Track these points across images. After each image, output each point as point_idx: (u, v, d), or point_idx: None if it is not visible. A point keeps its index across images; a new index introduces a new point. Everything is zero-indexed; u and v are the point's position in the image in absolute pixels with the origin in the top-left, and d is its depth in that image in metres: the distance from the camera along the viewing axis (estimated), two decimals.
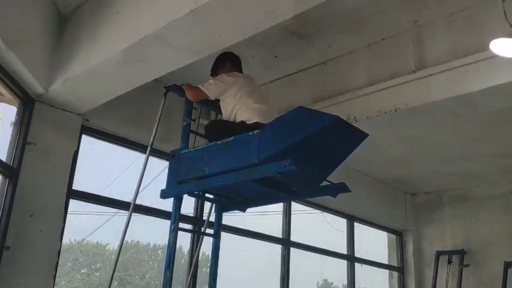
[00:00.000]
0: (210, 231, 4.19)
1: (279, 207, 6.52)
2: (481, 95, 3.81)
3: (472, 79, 3.76)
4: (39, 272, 3.89)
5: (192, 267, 4.87)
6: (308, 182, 3.61)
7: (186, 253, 6.17)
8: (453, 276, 7.15)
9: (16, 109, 3.99)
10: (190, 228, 5.22)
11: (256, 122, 3.52)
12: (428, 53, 4.07)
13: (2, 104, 4.01)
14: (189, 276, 4.83)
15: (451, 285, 7.12)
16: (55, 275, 3.97)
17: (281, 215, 6.43)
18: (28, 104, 4.02)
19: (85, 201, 4.49)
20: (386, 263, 8.05)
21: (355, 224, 7.42)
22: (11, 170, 3.81)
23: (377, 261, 7.83)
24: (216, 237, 4.15)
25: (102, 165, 5.36)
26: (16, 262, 3.73)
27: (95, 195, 4.56)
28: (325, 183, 3.62)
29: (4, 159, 3.78)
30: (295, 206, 6.54)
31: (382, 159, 6.60)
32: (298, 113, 3.15)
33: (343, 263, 7.24)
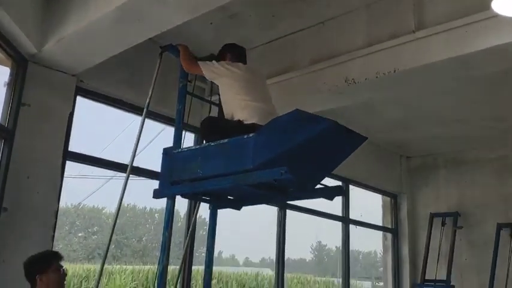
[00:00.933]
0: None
1: None
2: (481, 55, 3.76)
3: (472, 40, 3.70)
4: (37, 234, 3.90)
5: (190, 230, 4.93)
6: (303, 184, 3.49)
7: (182, 216, 6.22)
8: (446, 238, 7.26)
9: (9, 70, 3.93)
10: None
11: (253, 123, 3.39)
12: (429, 13, 3.99)
13: None
14: (187, 238, 4.88)
15: (444, 246, 7.24)
16: (53, 236, 3.98)
17: None
18: (21, 65, 3.95)
19: (81, 162, 4.47)
20: (381, 225, 8.16)
21: (351, 187, 7.48)
22: (6, 131, 3.78)
23: (371, 223, 7.95)
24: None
25: (98, 128, 5.33)
26: (14, 224, 3.75)
27: (92, 157, 4.55)
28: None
29: None
30: None
31: (378, 122, 6.59)
32: (295, 116, 3.01)
33: (338, 226, 7.33)
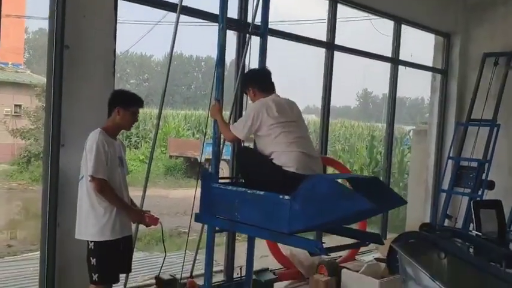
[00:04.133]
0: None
1: (324, 14, 6.39)
2: None
3: None
4: (99, 71, 4.15)
5: (240, 70, 5.05)
6: None
7: (228, 65, 6.30)
8: (497, 79, 7.15)
9: None
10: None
11: (294, 172, 3.31)
12: None
13: None
14: (237, 80, 5.02)
15: (494, 87, 7.16)
16: (114, 72, 4.24)
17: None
18: None
19: (133, 1, 4.49)
20: (431, 66, 8.06)
21: (403, 28, 7.25)
22: None
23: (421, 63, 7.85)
24: (263, 37, 4.23)
25: None
26: (76, 62, 3.97)
27: None
28: None
29: None
30: (340, 11, 6.36)
31: None
32: (331, 190, 3.00)
33: (385, 73, 7.29)
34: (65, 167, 3.91)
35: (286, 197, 3.05)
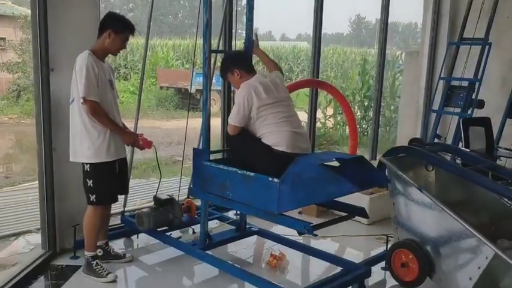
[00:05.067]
0: None
1: None
2: None
3: None
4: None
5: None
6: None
7: None
8: None
9: None
10: None
11: (284, 152, 3.44)
12: None
13: None
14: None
15: (487, 3, 7.02)
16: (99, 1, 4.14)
17: None
18: None
19: None
20: None
21: None
22: None
23: None
24: None
25: None
26: None
27: None
28: None
29: None
30: None
31: None
32: (318, 174, 3.10)
33: None
34: (56, 91, 3.90)
35: (275, 180, 3.19)
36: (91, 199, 3.66)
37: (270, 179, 3.23)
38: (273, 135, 3.52)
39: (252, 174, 3.38)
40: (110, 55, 3.74)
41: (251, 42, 4.05)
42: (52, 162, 3.99)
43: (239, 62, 3.79)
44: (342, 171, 3.23)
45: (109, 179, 3.66)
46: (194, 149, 3.93)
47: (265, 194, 3.28)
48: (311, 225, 3.18)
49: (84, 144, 3.57)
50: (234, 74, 3.73)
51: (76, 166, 3.72)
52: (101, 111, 3.50)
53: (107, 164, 3.62)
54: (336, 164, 3.38)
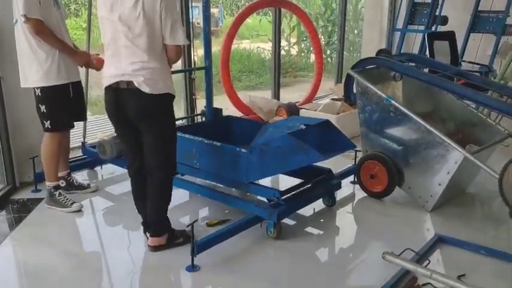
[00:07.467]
0: None
1: None
2: None
3: None
4: None
5: None
6: None
7: None
8: None
9: None
10: None
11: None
12: None
13: None
14: None
15: None
16: None
17: None
18: None
19: None
20: None
21: None
22: None
23: None
24: None
25: None
26: None
27: None
28: None
29: None
30: None
31: None
32: (286, 144, 3.08)
33: None
34: None
35: (243, 150, 3.24)
36: (46, 125, 3.44)
37: (238, 149, 3.28)
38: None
39: (218, 144, 3.40)
40: None
41: None
42: (2, 93, 3.72)
43: None
44: (308, 137, 3.18)
45: (63, 103, 3.43)
46: None
47: (233, 164, 3.32)
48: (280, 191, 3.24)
49: (33, 67, 3.30)
50: None
51: (28, 94, 3.47)
52: (45, 30, 3.21)
53: (58, 88, 3.37)
54: (302, 127, 3.27)
